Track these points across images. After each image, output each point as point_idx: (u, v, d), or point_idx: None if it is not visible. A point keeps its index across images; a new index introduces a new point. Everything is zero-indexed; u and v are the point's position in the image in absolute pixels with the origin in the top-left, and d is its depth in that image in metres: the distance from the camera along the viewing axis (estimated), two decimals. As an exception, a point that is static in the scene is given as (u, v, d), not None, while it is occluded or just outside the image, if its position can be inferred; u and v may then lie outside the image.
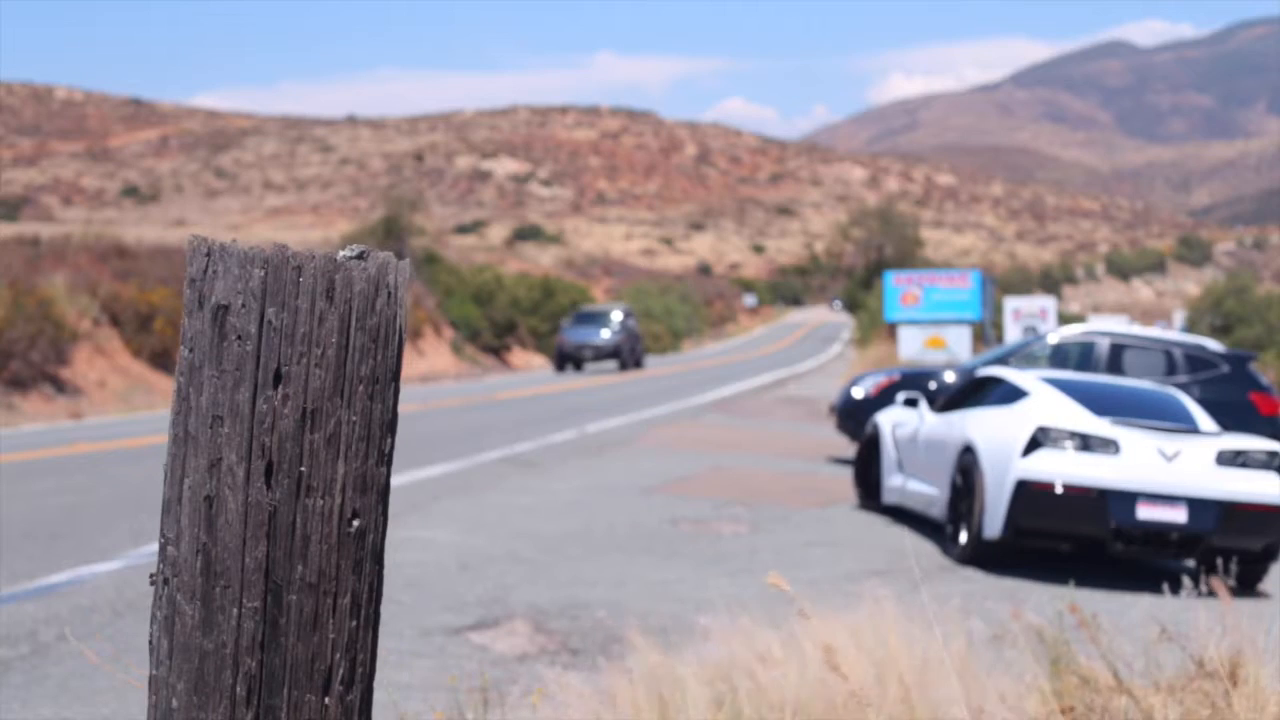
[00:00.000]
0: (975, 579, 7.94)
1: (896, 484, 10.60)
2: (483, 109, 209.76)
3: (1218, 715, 3.54)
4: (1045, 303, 33.94)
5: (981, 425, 9.05)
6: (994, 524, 8.46)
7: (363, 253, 1.47)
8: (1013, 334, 31.78)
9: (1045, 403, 9.00)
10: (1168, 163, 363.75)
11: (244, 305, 1.43)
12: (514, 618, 6.08)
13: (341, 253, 1.46)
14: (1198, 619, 3.99)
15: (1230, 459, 8.61)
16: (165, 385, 22.69)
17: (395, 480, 7.93)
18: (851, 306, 72.40)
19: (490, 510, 9.40)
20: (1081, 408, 8.91)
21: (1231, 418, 13.14)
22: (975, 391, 10.21)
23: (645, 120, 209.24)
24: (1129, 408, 9.15)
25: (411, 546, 7.65)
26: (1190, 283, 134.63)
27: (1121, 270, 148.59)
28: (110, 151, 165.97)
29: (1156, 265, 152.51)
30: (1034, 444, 8.43)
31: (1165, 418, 9.08)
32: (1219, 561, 7.14)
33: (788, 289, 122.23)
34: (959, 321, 30.06)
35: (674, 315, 65.35)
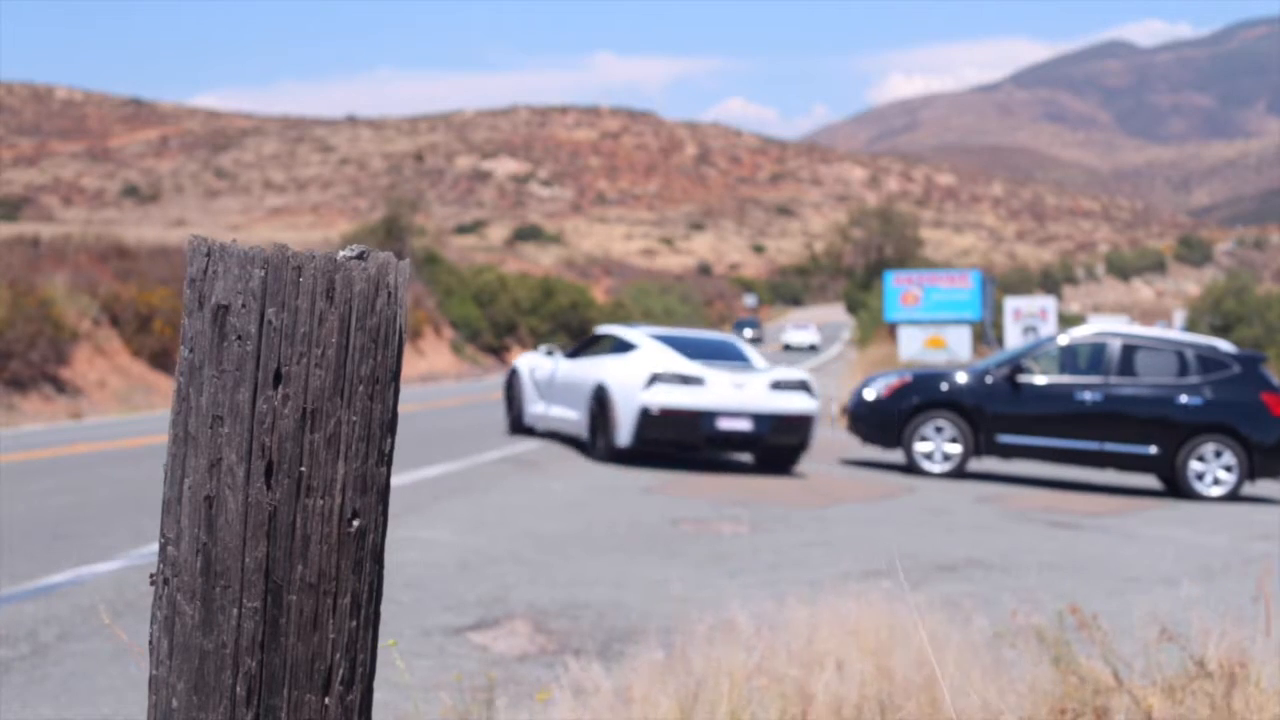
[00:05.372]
0: (975, 578, 7.93)
1: (539, 411, 14.49)
2: (483, 109, 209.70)
3: (1218, 715, 3.54)
4: (1045, 303, 33.93)
5: (610, 369, 12.87)
6: (625, 437, 12.47)
7: (363, 253, 1.47)
8: (1013, 334, 31.78)
9: (654, 352, 12.92)
10: (1168, 163, 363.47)
11: (244, 305, 1.42)
12: (514, 618, 6.07)
13: (341, 253, 1.46)
14: (1197, 619, 3.99)
15: (777, 385, 12.75)
16: (165, 385, 22.69)
17: (395, 480, 7.93)
18: (852, 307, 72.35)
19: (490, 510, 9.39)
20: (679, 355, 12.88)
21: (1244, 417, 13.19)
22: (596, 344, 14.09)
23: (645, 120, 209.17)
24: (709, 353, 13.25)
25: (411, 546, 7.65)
26: (1190, 283, 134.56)
27: (1121, 270, 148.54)
28: (110, 151, 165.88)
29: (1156, 265, 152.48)
30: (651, 381, 12.41)
31: (733, 359, 13.28)
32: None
33: (788, 289, 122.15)
34: (959, 321, 30.06)
35: (674, 315, 65.30)
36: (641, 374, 12.44)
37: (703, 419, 12.33)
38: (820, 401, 13.76)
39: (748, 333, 66.11)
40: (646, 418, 12.30)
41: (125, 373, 22.63)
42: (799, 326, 62.06)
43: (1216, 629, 3.92)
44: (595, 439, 12.82)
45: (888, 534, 9.45)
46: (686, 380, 12.43)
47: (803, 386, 12.92)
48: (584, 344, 14.40)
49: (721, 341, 13.95)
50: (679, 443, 12.64)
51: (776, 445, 12.80)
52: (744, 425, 12.46)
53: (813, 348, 57.57)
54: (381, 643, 1.69)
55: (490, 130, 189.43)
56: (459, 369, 37.36)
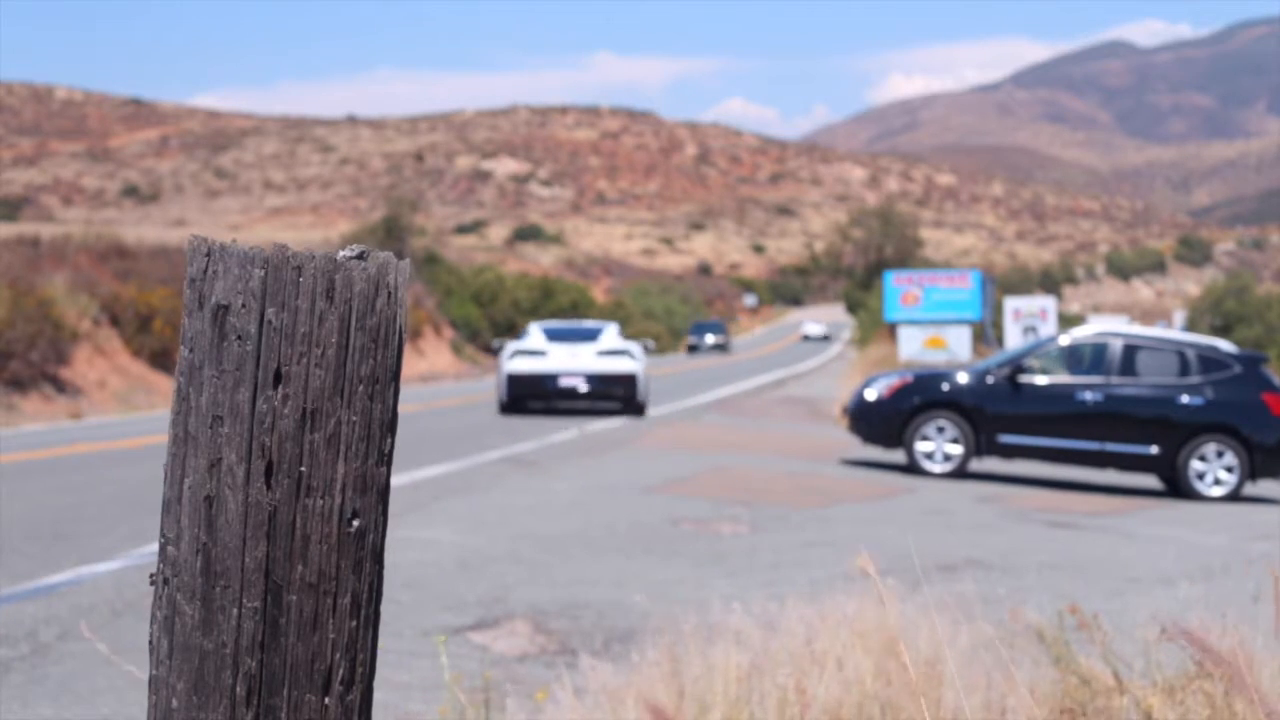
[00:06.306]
0: (975, 578, 7.93)
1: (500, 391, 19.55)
2: (483, 109, 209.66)
3: (1218, 715, 3.54)
4: (1045, 303, 33.88)
5: (505, 352, 18.77)
6: (504, 396, 18.43)
7: (363, 253, 1.47)
8: (1013, 334, 31.75)
9: (529, 337, 19.04)
10: (1168, 163, 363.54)
11: (244, 305, 1.42)
12: (514, 618, 6.07)
13: (341, 253, 1.46)
14: (1198, 619, 3.99)
15: (604, 353, 18.38)
16: (165, 385, 22.69)
17: (395, 480, 7.93)
18: (852, 307, 72.48)
19: (490, 510, 9.39)
20: (545, 337, 18.84)
21: (1245, 418, 13.20)
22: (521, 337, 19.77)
23: (645, 120, 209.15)
24: (569, 336, 19.03)
25: (411, 546, 7.65)
26: (1190, 283, 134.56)
27: (1121, 270, 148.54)
28: (110, 151, 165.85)
29: (1156, 265, 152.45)
30: (513, 355, 18.38)
31: (586, 338, 18.91)
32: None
33: (788, 289, 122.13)
34: (959, 321, 30.02)
35: (674, 315, 65.27)
36: (510, 351, 18.62)
37: (547, 379, 18.34)
38: (642, 363, 18.69)
39: (709, 339, 59.87)
40: (511, 381, 18.36)
41: (125, 373, 22.63)
42: (814, 322, 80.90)
43: (1217, 629, 3.91)
44: (499, 402, 18.89)
45: (888, 534, 9.44)
46: (534, 353, 18.45)
47: (624, 353, 18.52)
48: (519, 336, 20.08)
49: (589, 328, 19.84)
50: (536, 397, 18.59)
51: (610, 396, 18.49)
52: (579, 383, 18.29)
53: (825, 338, 74.17)
54: (381, 642, 1.69)
55: (490, 130, 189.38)
56: (459, 369, 37.36)
